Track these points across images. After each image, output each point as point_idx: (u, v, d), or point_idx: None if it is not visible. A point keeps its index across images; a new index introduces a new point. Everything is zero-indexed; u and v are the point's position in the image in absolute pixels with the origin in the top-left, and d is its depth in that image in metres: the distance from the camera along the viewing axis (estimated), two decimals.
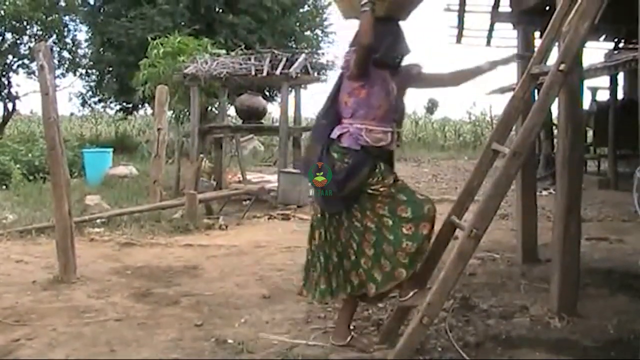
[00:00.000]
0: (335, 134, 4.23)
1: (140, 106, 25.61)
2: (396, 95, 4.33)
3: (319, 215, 4.38)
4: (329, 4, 28.17)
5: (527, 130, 4.05)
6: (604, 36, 9.29)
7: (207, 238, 8.94)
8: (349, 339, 4.45)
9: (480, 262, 6.94)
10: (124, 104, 26.30)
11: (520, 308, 5.28)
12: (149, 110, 24.72)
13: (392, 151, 4.42)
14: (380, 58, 4.20)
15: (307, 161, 4.45)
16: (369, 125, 4.18)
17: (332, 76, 28.29)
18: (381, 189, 4.17)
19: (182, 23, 22.60)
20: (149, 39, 16.33)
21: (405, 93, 4.54)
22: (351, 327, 4.60)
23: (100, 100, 27.67)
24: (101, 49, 25.42)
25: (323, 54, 27.44)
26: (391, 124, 4.30)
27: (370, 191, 4.18)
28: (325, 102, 4.41)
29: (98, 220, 9.56)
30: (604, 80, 15.78)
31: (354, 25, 4.20)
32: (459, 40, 8.45)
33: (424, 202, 4.20)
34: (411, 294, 4.29)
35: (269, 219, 10.65)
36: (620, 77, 15.18)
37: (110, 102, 27.39)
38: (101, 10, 25.82)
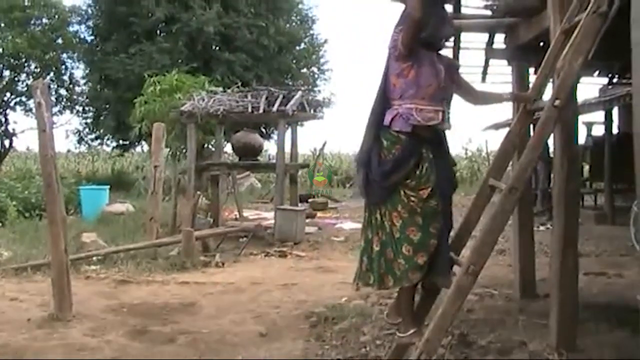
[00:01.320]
0: (387, 119, 4.24)
1: (137, 143, 25.63)
2: (444, 77, 4.29)
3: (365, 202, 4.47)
4: (325, 41, 28.42)
5: (524, 165, 4.07)
6: (597, 72, 9.35)
7: (203, 275, 8.90)
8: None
9: (478, 298, 6.91)
10: (121, 141, 26.30)
11: (518, 344, 5.24)
12: (146, 147, 24.74)
13: (444, 133, 4.41)
14: (426, 38, 4.21)
15: (360, 151, 4.44)
16: (419, 105, 4.18)
17: (329, 113, 28.47)
18: (411, 198, 4.17)
19: (180, 60, 22.76)
20: (145, 76, 16.42)
21: (450, 79, 4.44)
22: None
23: (97, 137, 27.66)
24: (98, 86, 25.54)
25: (319, 91, 27.66)
26: (441, 103, 4.27)
27: (402, 192, 4.19)
28: (378, 88, 4.40)
29: (94, 258, 9.53)
30: (599, 115, 15.87)
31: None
32: None
33: (431, 236, 4.18)
34: (411, 331, 4.30)
35: (265, 256, 10.61)
36: (615, 111, 15.26)
37: (107, 139, 27.38)
38: (98, 48, 25.97)
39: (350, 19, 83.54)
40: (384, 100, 4.33)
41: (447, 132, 4.44)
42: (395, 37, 4.24)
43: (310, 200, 18.91)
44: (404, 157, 4.17)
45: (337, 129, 55.98)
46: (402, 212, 4.17)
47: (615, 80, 10.28)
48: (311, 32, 28.27)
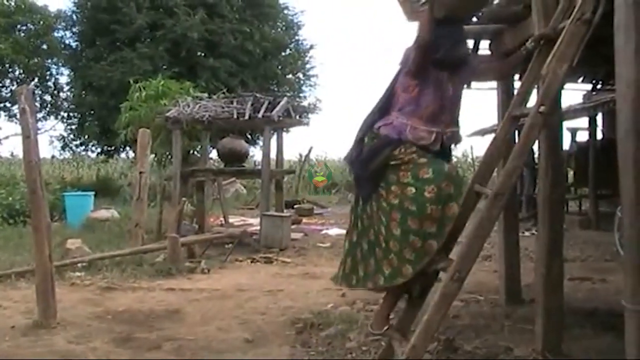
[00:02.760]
0: (378, 125, 4.32)
1: (121, 149, 25.55)
2: (452, 96, 4.34)
3: (354, 202, 4.49)
4: (311, 47, 28.44)
5: (509, 171, 4.08)
6: (582, 78, 9.40)
7: (189, 282, 8.87)
8: (385, 328, 4.43)
9: (463, 303, 6.93)
10: (106, 147, 26.23)
11: (504, 349, 5.26)
12: (131, 154, 24.65)
13: (448, 151, 4.48)
14: (440, 59, 4.24)
15: (349, 150, 4.51)
16: (414, 123, 4.22)
17: (314, 119, 28.45)
18: (406, 158, 4.18)
19: (163, 66, 22.70)
20: (131, 82, 16.37)
21: (463, 87, 4.54)
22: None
23: (81, 144, 27.51)
24: (82, 92, 25.42)
25: (305, 97, 27.68)
26: (439, 125, 4.27)
27: (393, 162, 4.20)
28: (383, 93, 4.46)
29: (79, 264, 9.47)
30: (583, 121, 15.98)
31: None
32: None
33: (444, 163, 4.22)
34: (384, 328, 4.40)
35: (251, 262, 10.59)
36: (599, 117, 15.36)
37: (92, 145, 27.28)
38: (83, 54, 25.89)
39: (338, 24, 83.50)
40: (382, 108, 4.39)
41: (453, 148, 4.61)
42: (408, 53, 4.30)
43: (296, 206, 18.92)
44: (381, 145, 4.24)
45: (323, 134, 56.00)
46: (407, 167, 4.16)
47: (599, 86, 10.34)
48: (297, 37, 28.30)
